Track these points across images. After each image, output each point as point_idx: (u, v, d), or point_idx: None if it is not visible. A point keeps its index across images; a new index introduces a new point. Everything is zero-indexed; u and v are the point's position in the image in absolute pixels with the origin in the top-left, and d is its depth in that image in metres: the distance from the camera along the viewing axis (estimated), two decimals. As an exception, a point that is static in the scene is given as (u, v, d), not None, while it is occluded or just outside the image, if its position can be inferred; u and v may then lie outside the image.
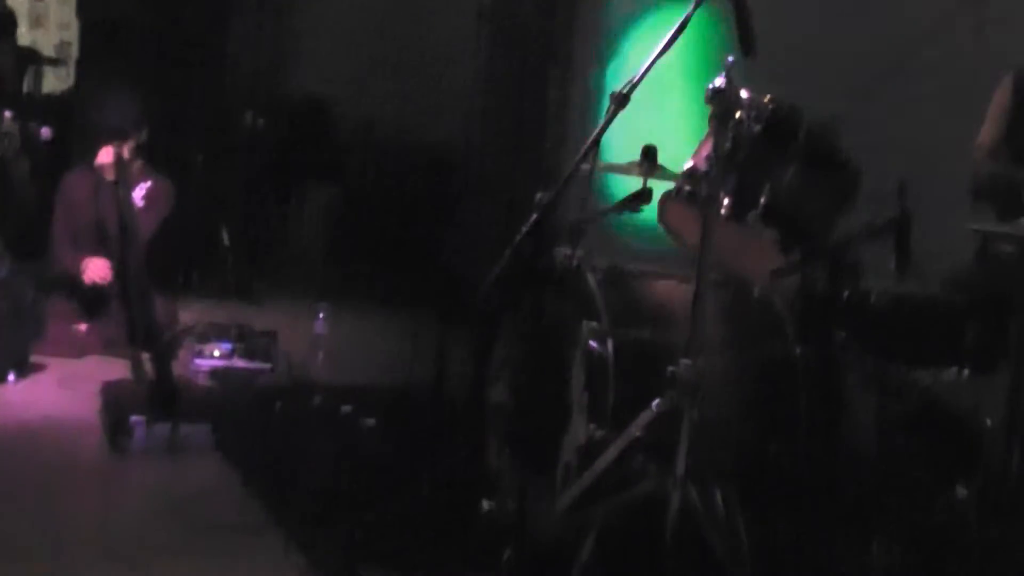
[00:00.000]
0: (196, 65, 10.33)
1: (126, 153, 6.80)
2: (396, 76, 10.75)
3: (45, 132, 8.61)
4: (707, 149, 3.90)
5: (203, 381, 6.41)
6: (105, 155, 6.83)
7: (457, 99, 9.83)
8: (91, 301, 7.01)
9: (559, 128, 8.60)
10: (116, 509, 4.59)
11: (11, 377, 6.12)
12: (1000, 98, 5.02)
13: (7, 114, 8.61)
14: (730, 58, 3.73)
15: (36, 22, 10.31)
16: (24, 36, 10.11)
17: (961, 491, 3.99)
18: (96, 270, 6.96)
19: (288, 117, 11.04)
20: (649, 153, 4.74)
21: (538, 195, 3.88)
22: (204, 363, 6.58)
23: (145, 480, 5.04)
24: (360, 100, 10.95)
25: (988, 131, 5.01)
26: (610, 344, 4.15)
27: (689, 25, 3.66)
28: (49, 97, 10.23)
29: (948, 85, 5.58)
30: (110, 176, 6.78)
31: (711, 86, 3.76)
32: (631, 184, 4.87)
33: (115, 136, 6.81)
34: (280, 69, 11.47)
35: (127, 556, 4.12)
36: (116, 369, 6.43)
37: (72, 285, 7.01)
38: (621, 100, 3.77)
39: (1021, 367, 3.95)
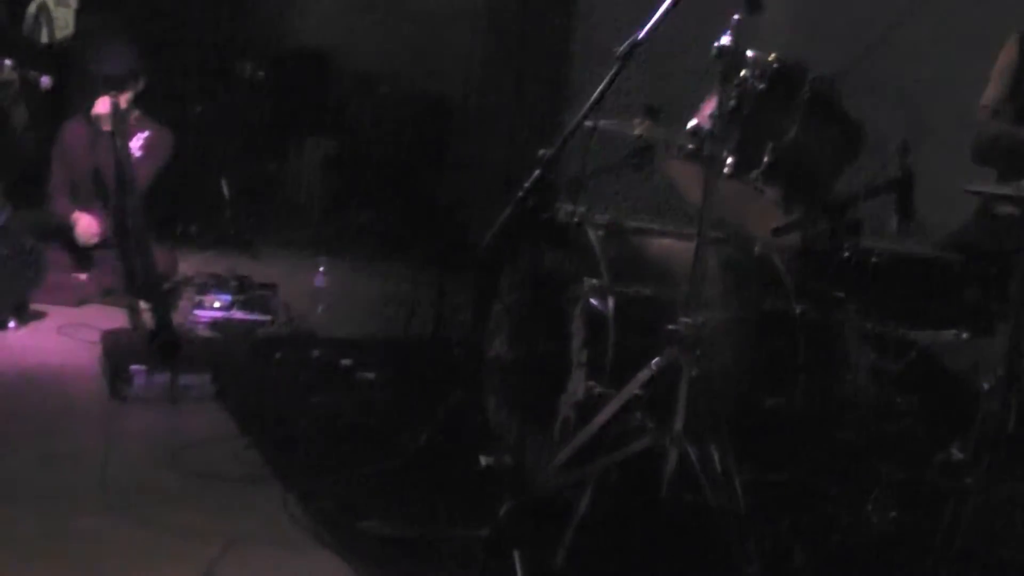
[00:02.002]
0: (196, 15, 10.30)
1: (123, 103, 6.79)
2: (397, 27, 10.71)
3: (45, 81, 8.59)
4: (711, 107, 3.90)
5: (203, 332, 6.42)
6: (102, 105, 6.82)
7: (458, 50, 9.80)
8: (90, 250, 7.02)
9: (562, 81, 8.57)
10: (115, 457, 4.60)
11: (11, 324, 6.14)
12: (1004, 58, 5.01)
13: (7, 62, 8.59)
14: (736, 16, 3.73)
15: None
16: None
17: (956, 452, 4.00)
18: (86, 228, 6.96)
19: (288, 68, 11.03)
20: (652, 110, 4.73)
21: (540, 151, 3.88)
22: (204, 314, 6.59)
23: (144, 428, 5.05)
24: (360, 51, 10.93)
25: (992, 91, 5.00)
26: (610, 300, 4.15)
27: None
28: (49, 45, 10.21)
29: (952, 44, 5.57)
30: (107, 126, 6.78)
31: (717, 44, 3.75)
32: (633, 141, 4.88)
33: (112, 86, 6.79)
34: (280, 20, 11.44)
35: (126, 503, 4.14)
36: (116, 318, 6.45)
37: (71, 234, 7.01)
38: (625, 57, 3.76)
39: (1019, 329, 3.96)
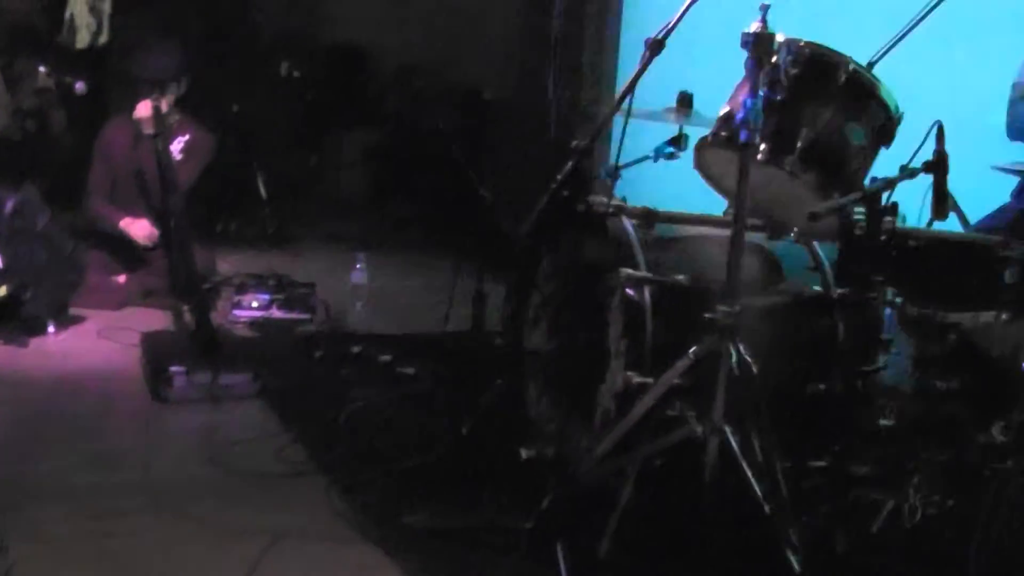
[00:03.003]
0: (231, 15, 10.33)
1: (164, 106, 6.83)
2: (433, 21, 10.72)
3: (80, 86, 8.65)
4: (743, 94, 3.90)
5: (242, 332, 6.46)
6: (144, 108, 6.86)
7: (496, 43, 9.82)
8: (129, 252, 7.06)
9: (600, 72, 8.59)
10: (158, 457, 4.63)
11: (50, 328, 6.16)
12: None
13: (42, 69, 8.65)
14: (766, 1, 3.72)
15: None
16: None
17: (998, 434, 3.98)
18: (142, 231, 7.00)
19: (324, 65, 11.05)
20: (685, 99, 4.73)
21: (574, 142, 3.89)
22: (243, 314, 6.63)
23: (186, 428, 5.08)
24: (396, 46, 10.95)
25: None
26: (647, 290, 4.15)
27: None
28: (83, 51, 10.26)
29: (985, 24, 5.54)
30: (149, 129, 6.80)
31: (747, 31, 3.75)
32: (667, 130, 4.88)
33: (154, 89, 6.83)
34: (317, 15, 11.47)
35: (170, 502, 4.17)
36: (155, 319, 6.49)
37: (110, 237, 7.05)
38: (656, 46, 3.77)
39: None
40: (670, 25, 3.75)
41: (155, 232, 6.99)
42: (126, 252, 7.05)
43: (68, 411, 5.10)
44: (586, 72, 8.61)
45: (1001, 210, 4.88)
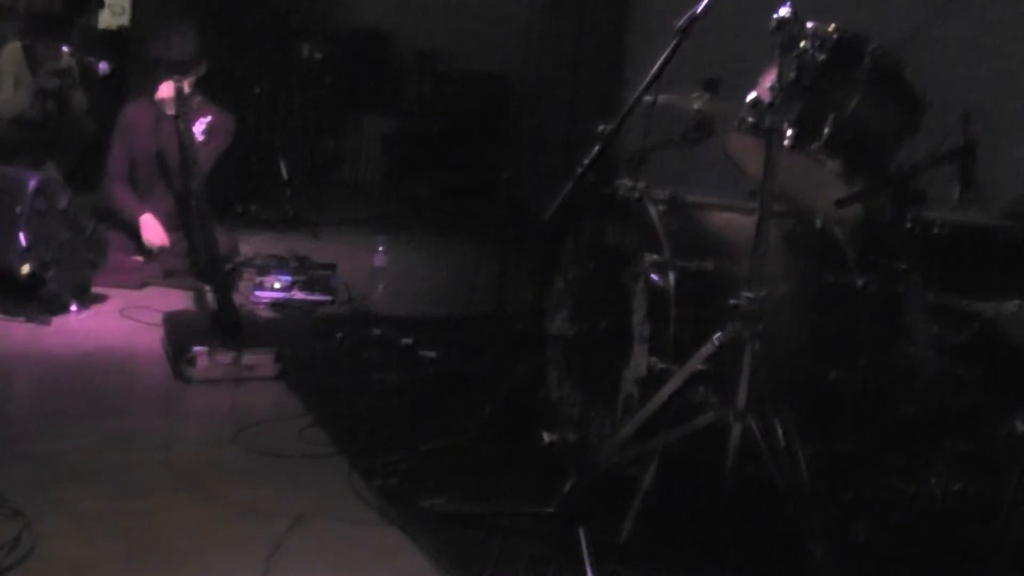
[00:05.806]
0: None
1: (186, 87, 6.83)
2: (454, 4, 10.72)
3: (103, 67, 8.65)
4: (771, 79, 3.89)
5: (263, 313, 6.47)
6: (166, 89, 6.86)
7: (516, 26, 9.81)
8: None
9: (619, 56, 8.58)
10: (180, 436, 4.63)
11: (73, 307, 6.17)
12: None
13: (65, 49, 8.66)
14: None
15: (89, -41, 10.32)
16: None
17: (1020, 424, 3.98)
18: (152, 237, 7.00)
19: (345, 49, 11.06)
20: (712, 84, 4.71)
21: (600, 126, 3.87)
22: (264, 295, 6.65)
23: (208, 408, 5.08)
24: (418, 29, 10.95)
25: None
26: (671, 276, 4.14)
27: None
28: (105, 32, 10.28)
29: (1015, 12, 5.52)
30: (171, 110, 6.81)
31: (776, 16, 3.74)
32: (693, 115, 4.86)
33: (175, 70, 6.83)
34: (337, 1, 11.48)
35: (191, 482, 4.17)
36: (177, 299, 6.50)
37: (130, 222, 7.07)
38: (684, 31, 3.76)
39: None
40: (699, 9, 3.74)
41: (167, 241, 6.99)
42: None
43: (90, 389, 5.11)
44: (613, 57, 8.60)
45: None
